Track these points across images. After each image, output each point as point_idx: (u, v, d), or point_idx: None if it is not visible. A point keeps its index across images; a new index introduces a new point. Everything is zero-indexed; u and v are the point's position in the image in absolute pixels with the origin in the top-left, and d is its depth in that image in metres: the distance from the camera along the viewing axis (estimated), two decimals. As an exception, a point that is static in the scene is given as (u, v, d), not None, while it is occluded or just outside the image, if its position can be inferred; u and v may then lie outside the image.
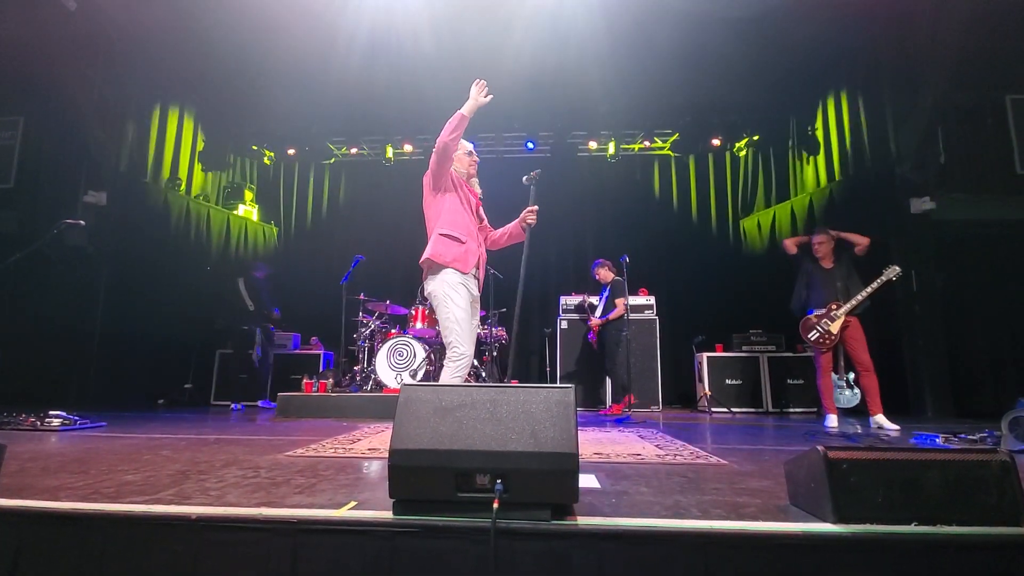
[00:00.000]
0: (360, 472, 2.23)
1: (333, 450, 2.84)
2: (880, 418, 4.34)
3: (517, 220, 3.08)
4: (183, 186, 7.38)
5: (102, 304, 6.10)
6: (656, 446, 3.15)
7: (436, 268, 2.86)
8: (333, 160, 8.64)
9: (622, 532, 1.42)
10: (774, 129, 7.75)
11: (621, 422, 4.87)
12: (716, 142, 7.86)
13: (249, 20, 5.92)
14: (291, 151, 8.30)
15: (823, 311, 4.53)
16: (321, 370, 6.62)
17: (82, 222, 4.54)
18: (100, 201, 6.20)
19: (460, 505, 1.43)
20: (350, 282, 6.38)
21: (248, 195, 8.23)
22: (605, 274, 6.12)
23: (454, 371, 2.79)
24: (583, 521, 1.45)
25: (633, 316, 6.26)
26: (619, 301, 5.86)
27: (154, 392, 6.50)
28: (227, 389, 6.61)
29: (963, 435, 3.32)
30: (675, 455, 2.79)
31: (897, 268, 4.38)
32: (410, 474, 1.44)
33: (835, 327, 4.45)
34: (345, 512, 1.52)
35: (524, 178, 3.14)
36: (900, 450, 1.54)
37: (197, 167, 7.77)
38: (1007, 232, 5.92)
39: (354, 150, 8.44)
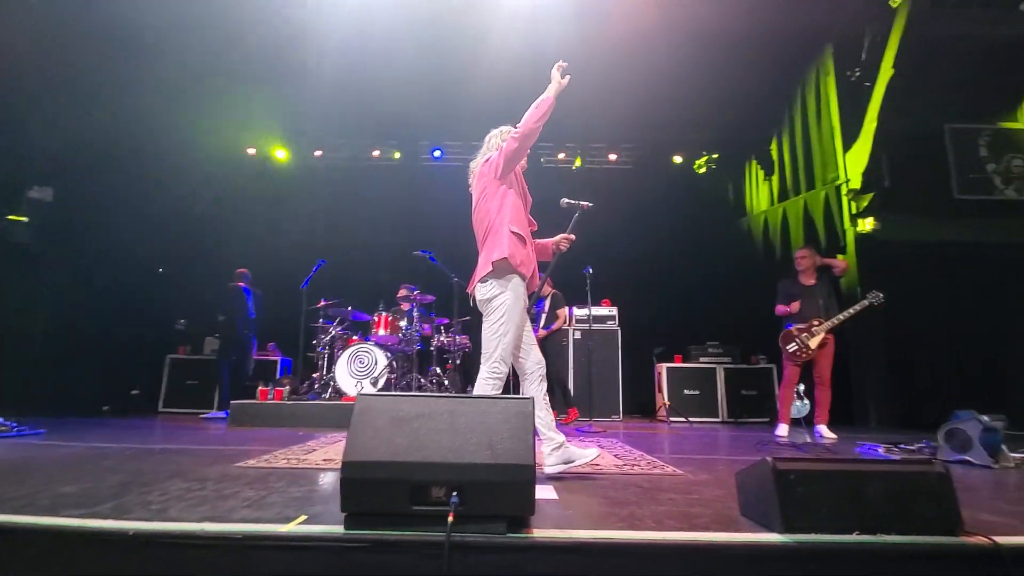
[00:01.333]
0: (313, 484, 2.17)
1: (286, 461, 2.74)
2: (822, 427, 4.58)
3: (552, 240, 2.75)
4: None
5: (47, 304, 5.76)
6: (615, 456, 3.18)
7: (506, 272, 2.40)
8: (298, 163, 8.42)
9: (577, 544, 1.42)
10: (733, 148, 8.02)
11: (582, 432, 4.89)
12: (678, 159, 8.08)
13: (207, 19, 5.75)
14: (251, 151, 8.07)
15: (804, 326, 4.70)
16: (278, 377, 6.42)
17: (25, 218, 4.29)
18: (46, 197, 5.87)
19: (414, 519, 1.40)
20: (310, 287, 6.22)
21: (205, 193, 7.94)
22: (544, 287, 6.18)
23: (492, 390, 2.37)
24: (539, 534, 1.44)
25: (595, 327, 6.34)
26: (560, 312, 5.96)
27: (99, 398, 6.16)
28: (177, 395, 6.35)
29: (903, 445, 3.48)
30: (632, 465, 2.82)
31: (880, 294, 4.58)
32: (363, 487, 1.41)
33: (814, 343, 4.62)
34: (294, 527, 1.47)
35: (563, 201, 2.85)
36: (845, 461, 1.61)
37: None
38: (945, 253, 6.30)
39: (319, 152, 8.28)
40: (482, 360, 2.39)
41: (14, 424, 3.60)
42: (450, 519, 1.33)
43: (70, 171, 6.15)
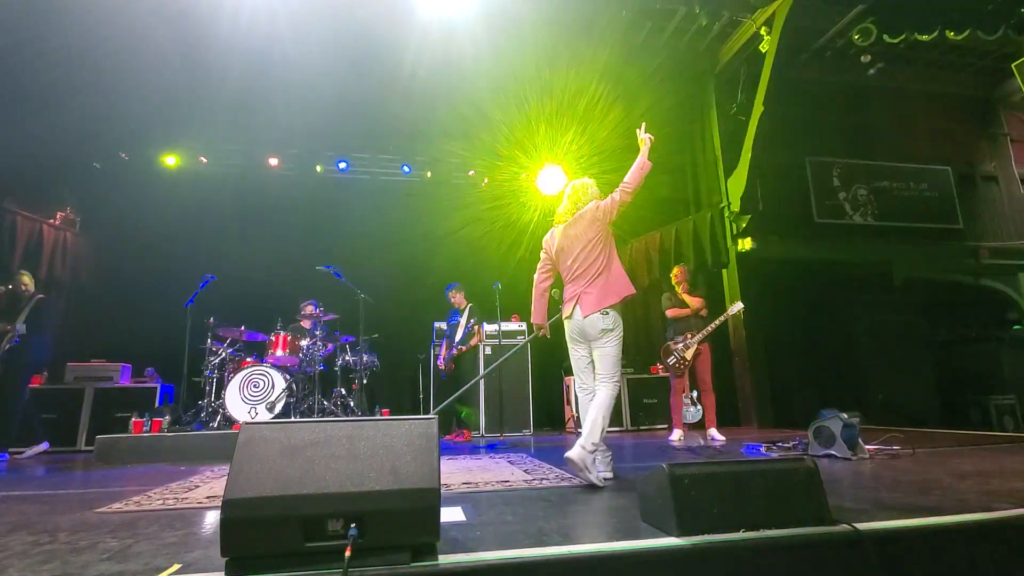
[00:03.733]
0: (193, 526, 1.94)
1: (161, 501, 2.45)
2: (713, 430, 4.95)
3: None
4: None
5: None
6: (524, 471, 3.19)
7: (618, 304, 2.90)
8: (181, 169, 7.69)
9: (484, 567, 1.39)
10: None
11: (493, 448, 4.88)
12: (587, 179, 8.44)
13: (97, 10, 5.16)
14: (123, 155, 7.25)
15: (680, 339, 5.04)
16: (157, 406, 5.75)
17: None
18: None
19: (308, 557, 1.30)
20: (196, 305, 5.68)
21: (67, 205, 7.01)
22: (460, 299, 6.21)
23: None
24: (444, 560, 1.39)
25: (505, 342, 6.38)
26: (478, 328, 5.99)
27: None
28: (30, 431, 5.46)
29: (780, 443, 3.83)
30: (541, 479, 2.84)
31: (740, 304, 5.07)
32: (248, 527, 1.28)
33: (689, 354, 4.98)
34: (165, 579, 1.30)
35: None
36: (729, 463, 1.72)
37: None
38: (810, 270, 7.15)
39: (204, 159, 7.61)
40: (604, 379, 2.86)
41: None
42: (347, 554, 1.25)
43: None
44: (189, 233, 7.29)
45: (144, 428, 4.80)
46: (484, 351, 6.55)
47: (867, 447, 3.43)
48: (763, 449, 3.80)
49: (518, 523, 1.84)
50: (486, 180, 8.28)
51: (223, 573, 1.28)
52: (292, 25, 5.56)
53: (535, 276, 3.27)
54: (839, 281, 7.46)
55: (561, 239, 3.14)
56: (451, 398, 4.46)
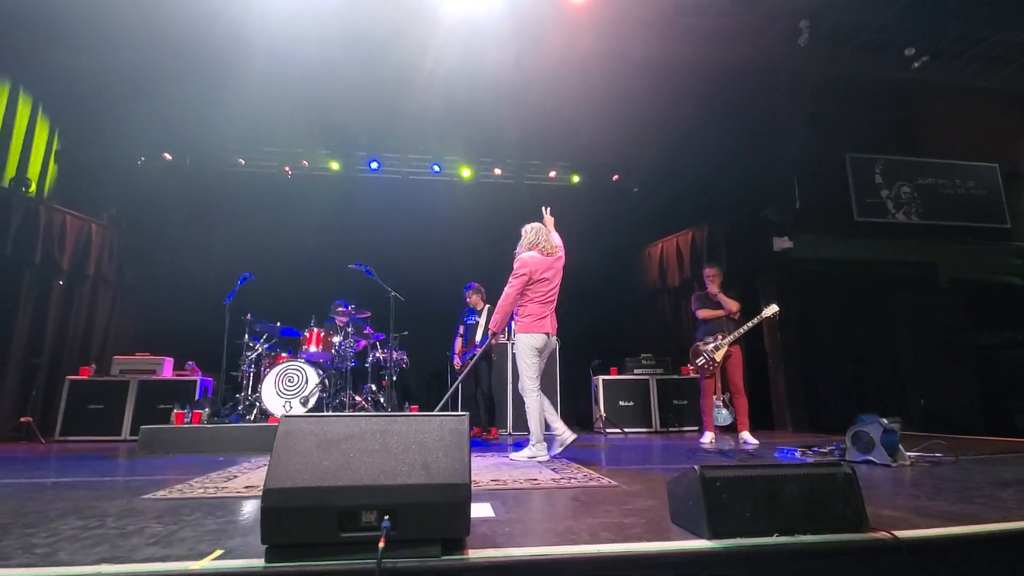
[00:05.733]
0: (233, 514, 2.01)
1: (203, 490, 2.54)
2: (745, 434, 4.82)
3: None
4: (33, 187, 6.41)
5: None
6: (552, 470, 3.19)
7: None
8: (221, 171, 7.97)
9: (513, 563, 1.40)
10: (664, 169, 8.41)
11: (520, 447, 4.88)
12: (615, 177, 8.38)
13: (134, 17, 5.37)
14: (167, 156, 7.55)
15: (711, 339, 4.95)
16: (197, 398, 5.96)
17: None
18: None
19: (343, 547, 1.33)
20: (235, 301, 5.87)
21: (115, 203, 7.33)
22: (478, 300, 6.24)
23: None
24: (474, 554, 1.41)
25: (534, 340, 6.38)
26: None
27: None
28: (78, 421, 5.74)
29: (816, 448, 3.73)
30: (569, 479, 2.84)
31: (776, 307, 4.90)
32: (287, 516, 1.32)
33: (719, 355, 4.88)
34: (207, 564, 1.35)
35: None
36: (764, 466, 1.69)
37: (52, 168, 6.82)
38: (849, 270, 6.91)
39: (242, 160, 7.86)
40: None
41: None
42: (381, 545, 1.28)
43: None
44: (228, 232, 7.56)
45: (185, 420, 4.99)
46: (512, 349, 6.57)
47: (908, 454, 3.31)
48: (798, 454, 3.71)
49: (547, 521, 1.85)
50: (498, 171, 8.27)
51: (263, 560, 1.32)
52: (317, 25, 5.64)
53: (512, 290, 3.77)
54: (880, 282, 7.18)
55: (549, 270, 3.85)
56: (444, 397, 4.49)
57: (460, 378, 4.53)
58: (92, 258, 6.86)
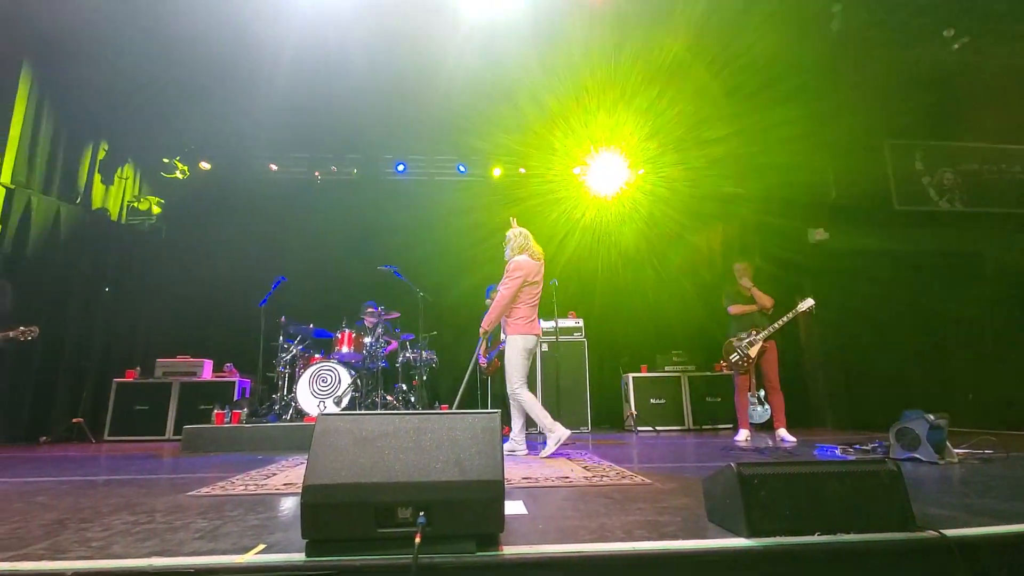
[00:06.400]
0: (273, 510, 2.07)
1: (244, 487, 2.62)
2: (782, 431, 4.70)
3: None
4: (79, 199, 6.72)
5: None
6: (584, 468, 3.18)
7: None
8: (254, 177, 8.20)
9: (548, 559, 1.40)
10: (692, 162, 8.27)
11: (546, 445, 4.88)
12: (641, 171, 8.27)
13: (165, 28, 5.59)
14: (205, 165, 7.82)
15: (744, 335, 4.85)
16: (235, 399, 6.15)
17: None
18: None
19: (380, 542, 1.36)
20: (269, 304, 6.03)
21: (156, 210, 7.63)
22: None
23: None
24: (508, 551, 1.42)
25: (562, 339, 6.37)
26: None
27: (36, 428, 5.75)
28: (125, 422, 6.00)
29: (858, 446, 3.61)
30: (602, 476, 2.82)
31: (811, 300, 4.74)
32: (325, 511, 1.35)
33: (753, 351, 4.77)
34: (251, 557, 1.39)
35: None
36: (803, 464, 1.65)
37: (97, 178, 7.13)
38: (889, 261, 6.66)
39: (274, 167, 8.07)
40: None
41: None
42: (417, 540, 1.30)
43: (5, 187, 5.81)
44: (261, 237, 7.78)
45: (225, 419, 5.15)
46: (541, 348, 6.57)
47: (955, 450, 3.18)
48: (839, 451, 3.60)
49: (579, 519, 1.84)
50: (523, 170, 8.26)
51: (304, 554, 1.36)
52: (337, 31, 5.73)
53: (510, 292, 3.93)
54: (923, 272, 6.90)
55: (538, 274, 4.08)
56: (459, 392, 4.53)
57: (468, 373, 4.54)
58: (135, 264, 7.15)
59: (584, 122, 7.40)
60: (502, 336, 4.21)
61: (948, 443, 3.14)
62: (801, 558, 1.45)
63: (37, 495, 2.49)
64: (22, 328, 4.59)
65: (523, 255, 4.07)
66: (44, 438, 5.72)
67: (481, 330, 4.10)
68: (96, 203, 7.03)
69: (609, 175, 8.15)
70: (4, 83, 5.83)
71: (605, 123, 7.52)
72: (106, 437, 5.95)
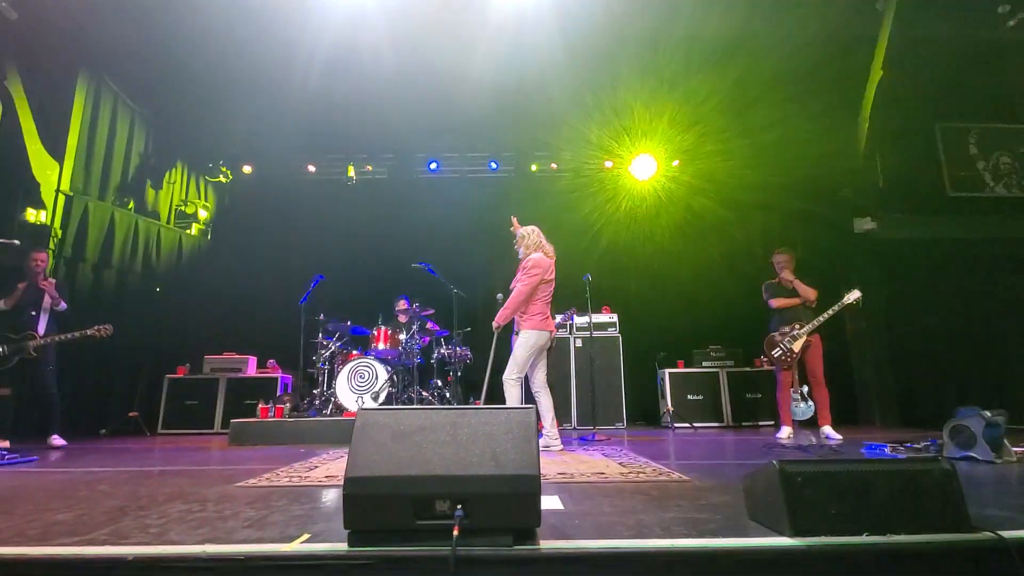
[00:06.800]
0: (316, 502, 2.14)
1: (288, 479, 2.72)
2: (827, 428, 4.54)
3: None
4: (131, 203, 7.07)
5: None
6: (620, 464, 3.15)
7: None
8: (293, 178, 8.46)
9: (585, 555, 1.40)
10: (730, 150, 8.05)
11: (586, 440, 4.86)
12: (676, 163, 8.11)
13: (203, 36, 5.81)
14: (247, 168, 8.09)
15: (787, 329, 4.70)
16: (278, 394, 6.37)
17: (16, 241, 4.29)
18: (39, 219, 5.86)
19: (419, 534, 1.38)
20: (309, 302, 6.20)
21: (202, 215, 7.95)
22: None
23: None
24: (546, 545, 1.42)
25: (596, 334, 6.32)
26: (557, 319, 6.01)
27: (96, 421, 6.10)
28: (176, 416, 6.30)
29: (909, 444, 3.46)
30: (638, 473, 2.79)
31: (858, 292, 4.56)
32: (366, 503, 1.39)
33: (797, 346, 4.62)
34: (297, 546, 1.45)
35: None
36: (850, 462, 1.59)
37: (148, 183, 7.47)
38: (941, 250, 6.32)
39: (312, 168, 8.29)
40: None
41: (4, 452, 3.54)
42: (455, 533, 1.32)
43: (63, 194, 6.15)
44: (300, 237, 8.01)
45: (269, 414, 5.34)
46: (575, 343, 6.55)
47: (1014, 449, 3.01)
48: (888, 450, 3.46)
49: (616, 515, 1.83)
50: (554, 165, 8.21)
51: (346, 544, 1.40)
52: (368, 31, 5.81)
53: (527, 288, 3.95)
54: (978, 262, 6.51)
55: (552, 271, 4.09)
56: (484, 389, 4.56)
57: (489, 370, 4.56)
58: (183, 265, 7.47)
59: (619, 113, 7.31)
60: (515, 330, 4.18)
61: (1006, 441, 2.98)
62: (848, 559, 1.41)
63: (99, 483, 2.65)
64: (98, 327, 4.96)
65: (539, 253, 4.08)
66: (103, 431, 6.07)
67: (495, 325, 4.11)
68: (147, 207, 7.38)
69: (645, 166, 8.03)
70: (63, 95, 6.18)
71: (642, 114, 7.41)
72: (159, 430, 6.26)
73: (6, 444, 4.51)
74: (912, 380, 6.10)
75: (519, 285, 4.00)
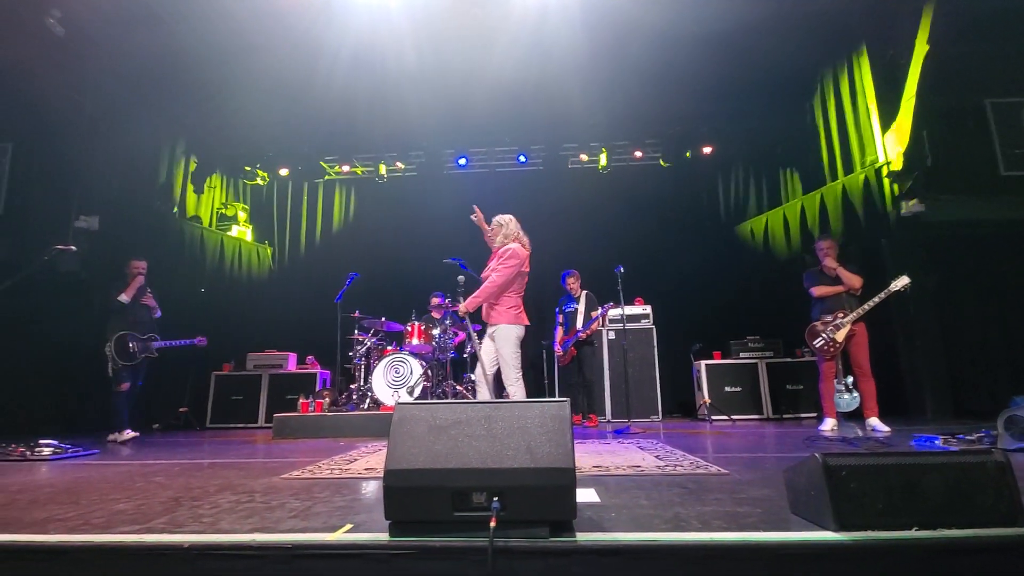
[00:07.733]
0: (356, 493, 2.21)
1: (329, 471, 2.80)
2: (874, 420, 4.37)
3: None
4: (176, 208, 7.37)
5: (95, 330, 6.03)
6: (656, 457, 3.13)
7: None
8: (326, 179, 8.67)
9: (622, 547, 1.40)
10: (763, 136, 7.81)
11: (620, 433, 4.84)
12: (707, 150, 7.93)
13: (234, 41, 5.97)
14: (283, 171, 8.32)
15: (830, 318, 4.55)
16: (317, 389, 6.56)
17: (73, 247, 4.53)
18: (92, 226, 6.17)
19: (457, 525, 1.41)
20: (344, 300, 6.35)
21: (241, 216, 8.23)
22: (576, 286, 6.20)
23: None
24: (582, 537, 1.43)
25: (630, 326, 6.26)
26: (595, 313, 5.95)
27: (149, 417, 6.42)
28: (223, 411, 6.57)
29: (961, 436, 3.31)
30: (675, 465, 2.77)
31: (906, 279, 4.35)
32: (406, 494, 1.42)
33: (840, 335, 4.46)
34: (340, 535, 1.50)
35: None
36: (898, 454, 1.54)
37: (190, 189, 7.77)
38: (995, 232, 5.97)
39: (346, 168, 8.47)
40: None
41: (68, 446, 3.77)
42: (492, 524, 1.34)
43: (115, 199, 6.46)
44: (334, 235, 8.21)
45: (309, 408, 5.51)
46: (608, 335, 6.51)
47: (1081, 442, 2.84)
48: (939, 442, 3.31)
49: (653, 507, 1.82)
50: (583, 156, 8.14)
51: (387, 534, 1.44)
52: (390, 30, 5.85)
53: (503, 279, 3.72)
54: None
55: (528, 263, 3.89)
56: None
57: (477, 345, 4.49)
58: (226, 265, 7.75)
59: (647, 101, 7.17)
60: (486, 322, 3.94)
61: (1071, 433, 2.81)
62: (896, 554, 1.36)
63: (155, 475, 2.79)
64: (200, 337, 5.70)
65: (517, 243, 3.88)
66: (156, 425, 6.38)
67: (462, 310, 3.87)
68: (190, 211, 7.68)
69: (675, 152, 7.91)
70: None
71: (670, 102, 7.26)
72: (208, 425, 6.55)
73: (135, 434, 5.11)
74: (964, 369, 5.80)
75: (494, 274, 3.75)
